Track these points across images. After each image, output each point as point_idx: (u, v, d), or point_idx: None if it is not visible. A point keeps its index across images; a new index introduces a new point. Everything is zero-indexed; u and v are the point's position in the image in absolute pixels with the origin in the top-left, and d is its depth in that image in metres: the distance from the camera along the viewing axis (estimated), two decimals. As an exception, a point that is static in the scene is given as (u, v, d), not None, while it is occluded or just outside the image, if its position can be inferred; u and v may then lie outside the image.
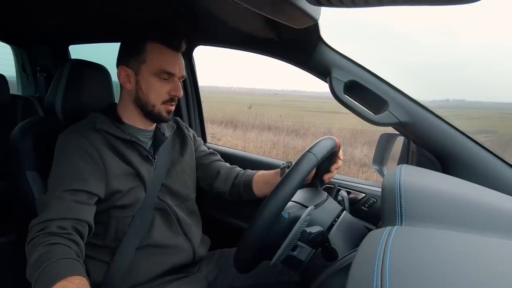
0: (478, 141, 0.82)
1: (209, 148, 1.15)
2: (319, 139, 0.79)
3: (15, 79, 1.95)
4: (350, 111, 0.85)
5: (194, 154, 1.07)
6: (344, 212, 0.79)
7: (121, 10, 1.07)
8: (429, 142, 0.85)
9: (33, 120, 1.00)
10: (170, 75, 0.89)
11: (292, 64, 0.97)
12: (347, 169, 5.31)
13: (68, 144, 0.83)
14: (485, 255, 0.40)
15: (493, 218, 0.50)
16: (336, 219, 0.75)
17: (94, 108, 0.94)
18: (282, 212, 0.70)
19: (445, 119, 0.84)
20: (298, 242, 0.67)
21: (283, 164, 0.98)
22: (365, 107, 0.88)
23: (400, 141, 0.99)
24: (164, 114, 0.91)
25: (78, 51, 1.76)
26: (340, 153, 0.90)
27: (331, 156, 0.87)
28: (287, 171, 0.70)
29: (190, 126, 1.45)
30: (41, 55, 1.77)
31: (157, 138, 0.96)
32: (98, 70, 1.04)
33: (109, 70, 1.06)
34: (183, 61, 0.92)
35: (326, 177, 0.91)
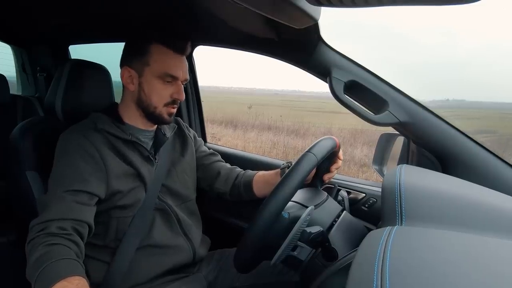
0: (478, 141, 0.82)
1: (209, 148, 1.15)
2: (319, 139, 0.79)
3: (15, 79, 1.95)
4: (350, 111, 0.85)
5: (195, 155, 1.07)
6: (344, 212, 0.79)
7: (121, 10, 1.07)
8: (429, 142, 0.85)
9: (33, 120, 1.00)
10: (174, 78, 0.88)
11: (292, 64, 0.97)
12: (347, 169, 5.31)
13: (69, 144, 0.83)
14: (485, 255, 0.40)
15: (493, 218, 0.50)
16: (336, 219, 0.75)
17: (94, 108, 0.94)
18: (282, 212, 0.70)
19: (445, 119, 0.84)
20: (298, 242, 0.67)
21: (283, 164, 0.98)
22: (365, 107, 0.88)
23: (400, 141, 0.99)
24: (166, 116, 0.91)
25: (79, 51, 1.76)
26: (340, 153, 0.90)
27: (331, 156, 0.87)
28: (287, 171, 0.70)
29: (190, 126, 1.45)
30: (41, 55, 1.77)
31: (158, 139, 0.96)
32: (98, 70, 1.04)
33: (109, 70, 1.06)
34: (187, 64, 0.92)
35: (326, 177, 0.91)
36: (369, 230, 0.56)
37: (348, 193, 1.01)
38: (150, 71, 0.87)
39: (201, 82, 1.47)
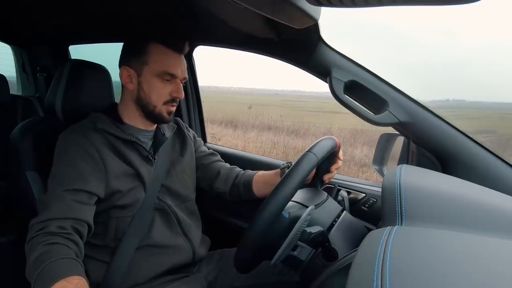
0: (478, 141, 0.82)
1: (209, 148, 1.15)
2: (319, 139, 0.79)
3: (15, 79, 1.95)
4: (350, 111, 0.85)
5: (194, 155, 1.07)
6: (344, 212, 0.79)
7: (121, 10, 1.07)
8: (429, 142, 0.85)
9: (33, 120, 1.00)
10: (172, 76, 0.89)
11: (292, 64, 0.97)
12: (347, 169, 5.31)
13: (69, 144, 0.83)
14: (485, 255, 0.40)
15: (493, 218, 0.50)
16: (336, 219, 0.75)
17: (94, 108, 0.94)
18: (283, 212, 0.70)
19: (445, 119, 0.84)
20: (299, 242, 0.67)
21: (283, 164, 0.98)
22: (365, 107, 0.88)
23: (400, 141, 0.98)
24: (165, 115, 0.91)
25: (80, 51, 1.76)
26: (340, 153, 0.90)
27: (331, 156, 0.87)
28: (287, 171, 0.70)
29: (190, 126, 1.45)
30: (41, 55, 1.77)
31: (158, 139, 0.96)
32: (98, 70, 1.04)
33: (109, 70, 1.06)
34: (185, 63, 0.92)
35: (326, 177, 0.91)
36: (369, 230, 0.56)
37: (348, 193, 1.01)
38: (149, 70, 0.87)
39: (201, 82, 1.48)
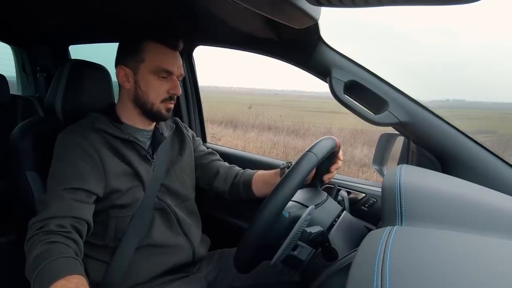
0: (478, 141, 0.82)
1: (208, 148, 1.15)
2: (319, 139, 0.79)
3: (15, 79, 1.95)
4: (350, 111, 0.85)
5: (193, 154, 1.07)
6: (344, 212, 0.79)
7: (121, 10, 1.07)
8: (429, 142, 0.85)
9: (33, 120, 1.00)
10: (169, 73, 0.89)
11: (292, 64, 0.97)
12: (347, 169, 5.31)
13: (68, 144, 0.83)
14: (485, 255, 0.40)
15: (493, 218, 0.50)
16: (336, 219, 0.75)
17: (94, 108, 0.94)
18: (283, 212, 0.70)
19: (445, 119, 0.84)
20: (299, 241, 0.67)
21: (283, 164, 0.98)
22: (365, 107, 0.88)
23: (400, 141, 0.99)
24: (164, 112, 0.91)
25: (80, 51, 1.76)
26: (340, 154, 0.90)
27: (331, 157, 0.87)
28: (287, 171, 0.70)
29: (190, 126, 1.45)
30: (41, 55, 1.77)
31: (156, 138, 0.96)
32: (98, 70, 1.04)
33: (109, 70, 1.06)
34: (181, 60, 0.92)
35: (326, 177, 0.91)
36: (369, 230, 0.56)
37: (348, 193, 1.01)
38: (145, 68, 0.88)
39: (201, 82, 1.48)
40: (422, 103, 0.85)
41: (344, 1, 0.50)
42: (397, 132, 0.95)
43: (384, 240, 0.40)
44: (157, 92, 0.89)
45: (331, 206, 0.79)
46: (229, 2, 0.58)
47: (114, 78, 1.05)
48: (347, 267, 0.50)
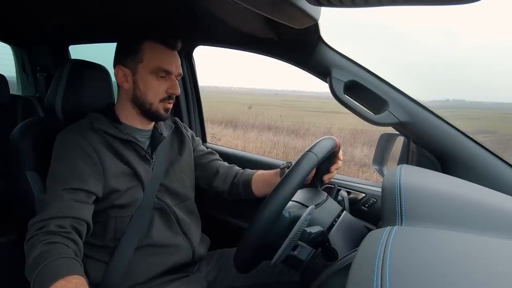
0: (478, 141, 0.82)
1: (208, 148, 1.15)
2: (319, 139, 0.79)
3: (15, 79, 1.95)
4: (350, 111, 0.85)
5: (193, 154, 1.07)
6: (344, 212, 0.79)
7: (121, 10, 1.08)
8: (429, 142, 0.85)
9: (33, 120, 1.00)
10: (167, 73, 0.89)
11: (292, 64, 0.97)
12: (347, 169, 5.31)
13: (67, 144, 0.83)
14: (485, 255, 0.40)
15: (493, 218, 0.50)
16: (336, 219, 0.75)
17: (94, 108, 0.94)
18: (283, 211, 0.70)
19: (445, 119, 0.84)
20: (299, 241, 0.67)
21: (282, 164, 0.98)
22: (365, 107, 0.88)
23: (400, 141, 0.99)
24: (162, 112, 0.91)
25: (79, 51, 1.76)
26: (340, 154, 0.90)
27: (331, 157, 0.87)
28: (288, 171, 0.70)
29: (190, 126, 1.45)
30: (41, 55, 1.77)
31: (155, 138, 0.96)
32: (98, 70, 1.04)
33: (109, 70, 1.06)
34: (179, 59, 0.92)
35: (326, 177, 0.91)
36: (369, 230, 0.56)
37: (348, 193, 1.01)
38: (143, 68, 0.88)
39: (201, 82, 1.48)
40: (422, 103, 0.85)
41: (344, 1, 0.50)
42: (397, 132, 0.95)
43: (384, 240, 0.40)
44: (156, 92, 0.89)
45: (331, 206, 0.79)
46: (229, 2, 0.58)
47: (114, 78, 1.05)
48: (347, 267, 0.50)
